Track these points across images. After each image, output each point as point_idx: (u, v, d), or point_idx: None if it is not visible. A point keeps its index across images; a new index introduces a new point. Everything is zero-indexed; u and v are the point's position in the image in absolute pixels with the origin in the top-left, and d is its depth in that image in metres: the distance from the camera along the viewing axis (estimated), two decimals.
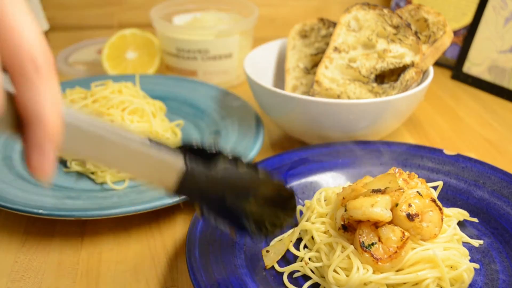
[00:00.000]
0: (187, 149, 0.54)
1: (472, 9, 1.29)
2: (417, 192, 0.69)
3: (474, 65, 1.27)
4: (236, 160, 0.57)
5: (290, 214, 0.63)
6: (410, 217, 0.66)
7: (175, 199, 0.81)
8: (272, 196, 0.60)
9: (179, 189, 0.53)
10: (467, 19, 1.30)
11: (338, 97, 0.97)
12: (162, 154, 0.51)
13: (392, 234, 0.65)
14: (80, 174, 0.93)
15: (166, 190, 0.53)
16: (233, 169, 0.57)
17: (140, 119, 0.95)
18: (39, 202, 0.81)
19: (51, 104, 0.41)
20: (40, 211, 0.78)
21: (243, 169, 0.57)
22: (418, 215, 0.67)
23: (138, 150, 0.49)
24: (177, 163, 0.52)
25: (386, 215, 0.65)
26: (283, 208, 0.62)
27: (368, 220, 0.66)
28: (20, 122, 0.42)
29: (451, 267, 0.66)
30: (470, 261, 0.71)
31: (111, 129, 0.48)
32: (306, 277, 0.70)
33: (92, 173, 0.92)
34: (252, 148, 0.93)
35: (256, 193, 0.58)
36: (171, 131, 1.01)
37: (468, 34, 1.28)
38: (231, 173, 0.57)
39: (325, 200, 0.77)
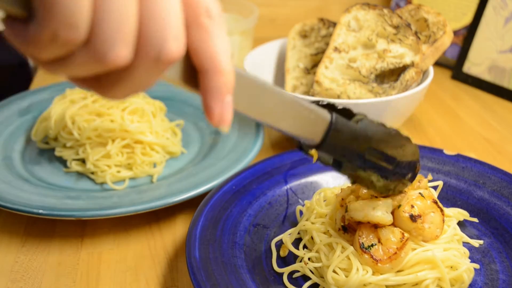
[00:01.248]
0: (330, 106, 0.57)
1: (472, 9, 1.29)
2: (419, 193, 0.69)
3: (474, 65, 1.27)
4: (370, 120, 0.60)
5: (412, 178, 0.66)
6: (413, 218, 0.66)
7: (176, 199, 0.81)
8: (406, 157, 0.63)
9: (324, 141, 0.55)
10: (467, 19, 1.30)
11: (338, 97, 0.97)
12: (312, 106, 0.53)
13: (392, 235, 0.65)
14: (80, 174, 0.93)
15: (312, 141, 0.55)
16: (372, 125, 0.59)
17: (140, 119, 0.95)
18: (39, 202, 0.81)
19: (225, 52, 0.42)
20: (40, 211, 0.78)
21: (378, 126, 0.60)
22: (420, 216, 0.67)
23: (292, 99, 0.51)
24: (325, 115, 0.55)
25: (387, 219, 0.65)
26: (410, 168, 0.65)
27: (368, 222, 0.66)
28: (190, 73, 0.43)
29: (451, 267, 0.66)
30: (470, 261, 0.71)
31: (263, 80, 0.49)
32: (306, 277, 0.70)
33: (92, 173, 0.92)
34: (252, 148, 0.93)
35: (388, 149, 0.61)
36: (171, 131, 1.01)
37: (468, 34, 1.28)
38: (371, 128, 0.59)
39: (324, 200, 0.77)
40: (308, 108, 0.53)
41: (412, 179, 0.66)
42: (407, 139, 0.63)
